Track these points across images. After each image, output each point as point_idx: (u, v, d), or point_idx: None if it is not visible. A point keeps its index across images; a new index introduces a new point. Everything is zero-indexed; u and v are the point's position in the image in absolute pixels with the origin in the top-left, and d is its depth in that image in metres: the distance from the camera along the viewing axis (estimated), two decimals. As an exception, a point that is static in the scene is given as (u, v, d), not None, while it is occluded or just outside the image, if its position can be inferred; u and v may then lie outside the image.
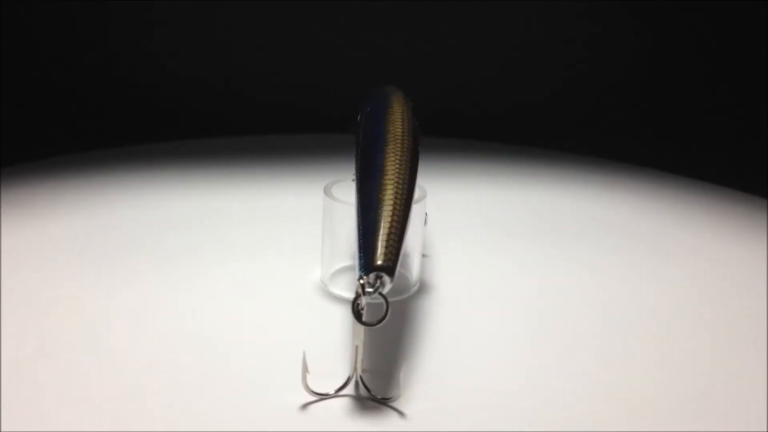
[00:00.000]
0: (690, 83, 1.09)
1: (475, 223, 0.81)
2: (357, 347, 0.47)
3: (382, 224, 0.48)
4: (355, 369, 0.48)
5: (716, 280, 0.69)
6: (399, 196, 0.50)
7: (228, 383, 0.49)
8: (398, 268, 0.47)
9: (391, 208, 0.49)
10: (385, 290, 0.46)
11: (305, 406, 0.47)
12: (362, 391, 0.48)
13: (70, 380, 0.51)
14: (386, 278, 0.46)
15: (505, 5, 1.10)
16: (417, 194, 0.62)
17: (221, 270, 0.67)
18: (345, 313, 0.60)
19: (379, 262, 0.46)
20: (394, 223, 0.48)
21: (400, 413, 0.47)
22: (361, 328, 0.46)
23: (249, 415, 0.46)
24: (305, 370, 0.48)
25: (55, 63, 1.06)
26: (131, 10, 1.08)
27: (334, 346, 0.55)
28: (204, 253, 0.70)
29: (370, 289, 0.45)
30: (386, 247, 0.47)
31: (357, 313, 0.46)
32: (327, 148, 1.01)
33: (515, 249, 0.74)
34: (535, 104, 1.13)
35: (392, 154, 0.55)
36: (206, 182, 0.89)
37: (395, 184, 0.52)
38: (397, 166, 0.54)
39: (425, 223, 0.68)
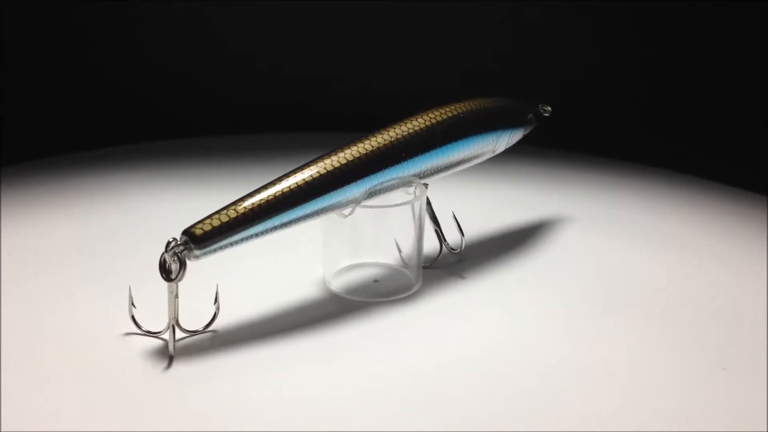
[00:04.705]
0: (689, 81, 1.09)
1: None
2: (174, 299, 0.53)
3: (233, 203, 0.54)
4: (172, 317, 0.54)
5: (715, 279, 0.68)
6: (276, 193, 0.55)
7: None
8: (216, 248, 0.52)
9: (251, 196, 0.55)
10: (191, 257, 0.52)
11: (126, 335, 0.56)
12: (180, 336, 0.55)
13: (69, 380, 0.51)
14: (191, 245, 0.52)
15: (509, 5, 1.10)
16: (409, 194, 0.63)
17: (221, 268, 0.66)
18: (341, 311, 0.60)
19: (192, 228, 0.52)
20: (240, 208, 0.54)
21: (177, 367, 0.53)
22: (174, 284, 0.52)
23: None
24: (131, 303, 0.55)
25: (54, 63, 1.07)
26: (131, 10, 1.08)
27: (322, 340, 0.57)
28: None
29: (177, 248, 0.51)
30: (209, 220, 0.53)
31: (162, 268, 0.52)
32: (328, 147, 1.01)
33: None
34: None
35: (334, 154, 0.59)
36: (206, 181, 0.89)
37: (288, 182, 0.56)
38: (320, 165, 0.57)
39: (461, 246, 0.68)
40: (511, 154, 0.73)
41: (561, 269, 0.69)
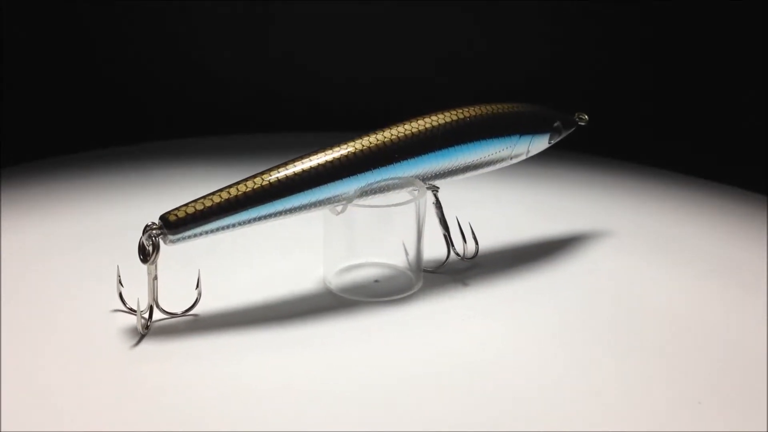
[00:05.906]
0: (688, 80, 1.09)
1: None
2: (152, 281, 0.55)
3: (213, 192, 0.55)
4: (153, 299, 0.56)
5: (715, 279, 0.68)
6: (255, 186, 0.55)
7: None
8: (190, 235, 0.54)
9: (232, 187, 0.55)
10: (167, 241, 0.53)
11: (113, 311, 0.59)
12: (159, 316, 0.57)
13: (68, 379, 0.51)
14: (165, 230, 0.53)
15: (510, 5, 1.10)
16: (407, 194, 0.63)
17: (221, 264, 0.67)
18: (332, 307, 0.60)
19: (167, 214, 0.54)
20: (217, 197, 0.54)
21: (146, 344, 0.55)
22: (151, 266, 0.54)
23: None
24: (119, 283, 0.58)
25: (54, 62, 1.07)
26: (130, 12, 1.08)
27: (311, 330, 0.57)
28: (206, 253, 0.70)
29: (154, 231, 0.53)
30: (185, 207, 0.54)
31: (141, 251, 0.54)
32: (328, 146, 1.01)
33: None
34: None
35: (322, 151, 0.59)
36: (206, 180, 0.89)
37: (270, 176, 0.56)
38: (305, 161, 0.58)
39: (464, 252, 0.67)
40: (533, 157, 0.70)
41: (567, 284, 0.67)
